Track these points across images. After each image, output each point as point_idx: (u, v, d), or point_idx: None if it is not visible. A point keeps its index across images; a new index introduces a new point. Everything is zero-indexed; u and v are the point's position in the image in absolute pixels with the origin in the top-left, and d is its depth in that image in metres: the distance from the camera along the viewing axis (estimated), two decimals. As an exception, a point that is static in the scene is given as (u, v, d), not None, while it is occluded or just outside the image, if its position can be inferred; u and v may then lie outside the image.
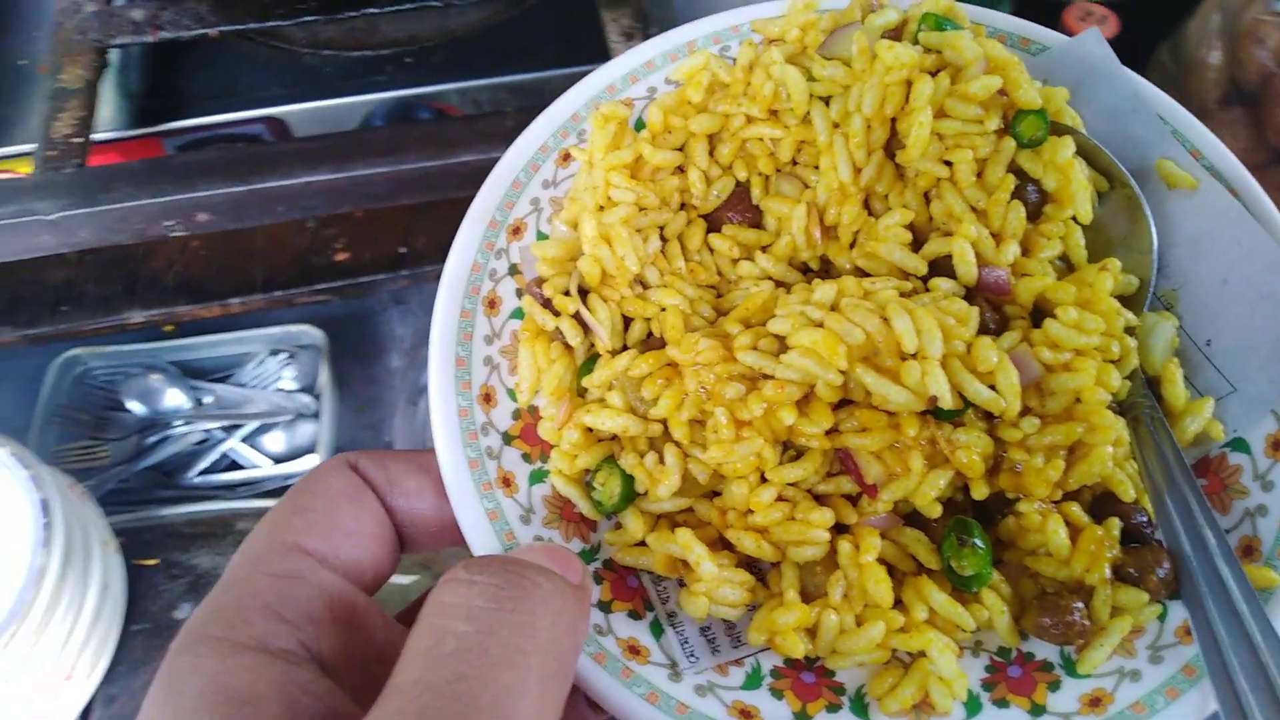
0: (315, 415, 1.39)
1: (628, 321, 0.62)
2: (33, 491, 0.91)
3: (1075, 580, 0.55)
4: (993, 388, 0.54)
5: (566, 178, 0.69)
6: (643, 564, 0.57)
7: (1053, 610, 0.53)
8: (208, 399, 1.41)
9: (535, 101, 0.93)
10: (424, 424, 1.37)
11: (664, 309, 0.60)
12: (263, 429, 1.40)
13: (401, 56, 1.06)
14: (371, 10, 1.07)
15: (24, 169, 1.21)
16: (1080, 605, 0.53)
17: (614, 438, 0.60)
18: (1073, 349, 0.55)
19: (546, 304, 0.61)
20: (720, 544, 0.58)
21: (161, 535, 1.13)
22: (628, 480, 0.58)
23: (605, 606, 0.56)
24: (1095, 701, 0.52)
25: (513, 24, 1.05)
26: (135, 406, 1.39)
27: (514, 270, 0.66)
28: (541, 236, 0.67)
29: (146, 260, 1.30)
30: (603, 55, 1.00)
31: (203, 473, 1.37)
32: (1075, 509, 0.56)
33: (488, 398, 0.61)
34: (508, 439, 0.61)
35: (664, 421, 0.58)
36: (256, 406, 1.39)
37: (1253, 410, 0.59)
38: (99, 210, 1.03)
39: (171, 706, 0.43)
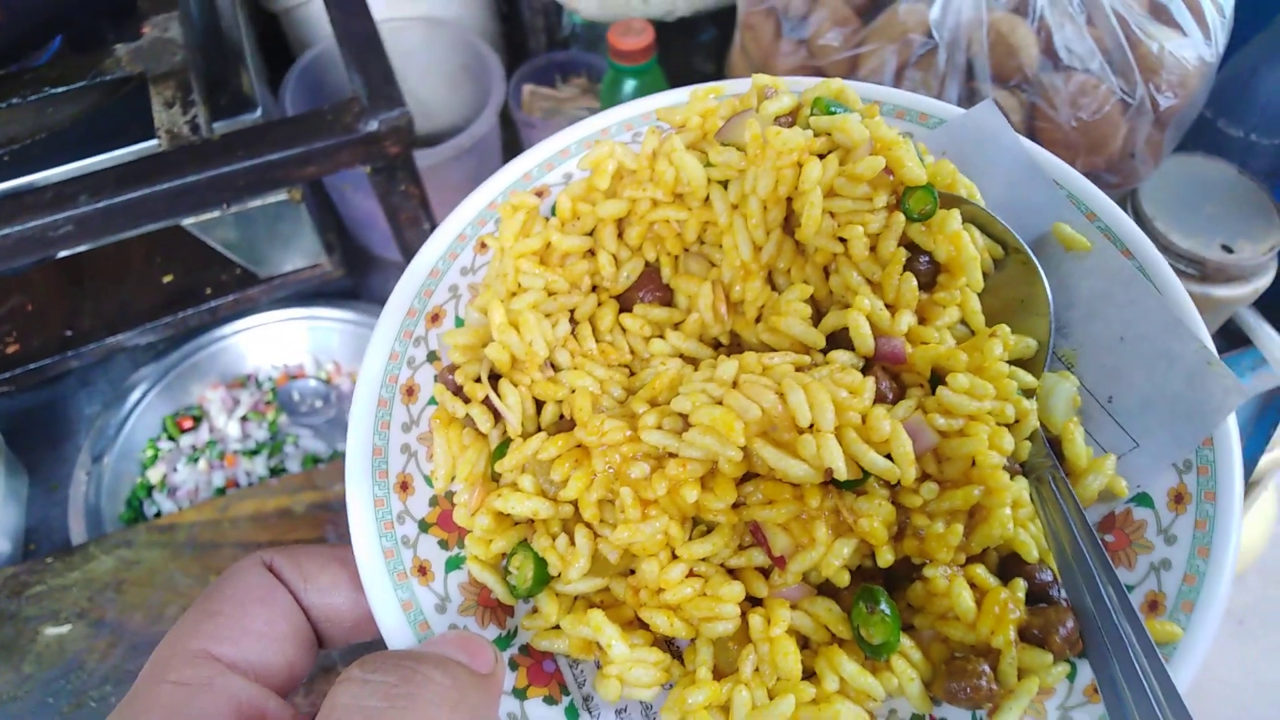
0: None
1: (540, 405, 0.63)
2: None
3: (982, 643, 0.55)
4: (889, 456, 0.55)
5: (484, 264, 0.71)
6: (558, 647, 0.58)
7: (960, 675, 0.54)
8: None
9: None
10: (99, 482, 1.45)
11: (573, 391, 0.62)
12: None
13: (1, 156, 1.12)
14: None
15: None
16: (987, 669, 0.54)
17: (530, 521, 0.61)
18: (966, 415, 0.57)
19: (457, 391, 0.62)
20: (637, 623, 0.59)
21: None
22: (541, 563, 0.58)
23: (521, 693, 0.56)
24: None
25: (105, 112, 1.13)
26: None
27: (432, 357, 0.67)
28: (460, 323, 0.69)
29: None
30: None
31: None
32: (981, 571, 0.56)
33: (405, 485, 0.62)
34: (424, 526, 0.61)
35: (575, 503, 0.59)
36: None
37: (1155, 465, 0.61)
38: None
39: None
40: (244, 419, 1.56)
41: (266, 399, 1.58)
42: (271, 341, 1.60)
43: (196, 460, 1.51)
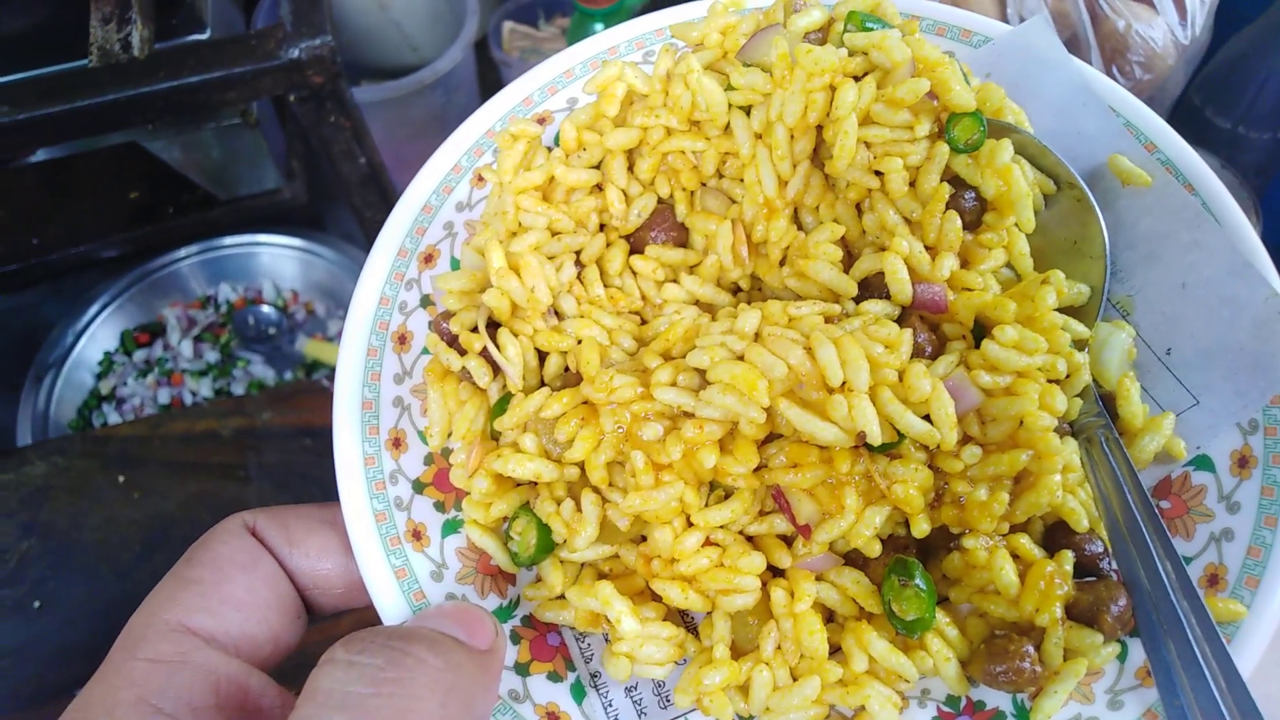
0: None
1: (543, 356, 0.58)
2: None
3: (1025, 620, 0.51)
4: (928, 418, 0.50)
5: (482, 199, 0.65)
6: (563, 619, 0.54)
7: (1001, 655, 0.49)
8: None
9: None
10: (50, 388, 1.48)
11: (580, 342, 0.56)
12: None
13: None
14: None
15: None
16: (1031, 649, 0.49)
17: (533, 483, 0.56)
18: (1013, 371, 0.51)
19: (453, 341, 0.56)
20: (649, 594, 0.54)
21: None
22: (544, 529, 0.54)
23: (523, 669, 0.52)
24: None
25: (60, 24, 1.12)
26: None
27: (426, 302, 0.62)
28: (455, 264, 0.63)
29: None
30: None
31: None
32: (1025, 542, 0.52)
33: (397, 443, 0.57)
34: (419, 487, 0.57)
35: (581, 465, 0.54)
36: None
37: (1216, 424, 0.55)
38: None
39: None
40: (198, 339, 1.58)
41: (222, 321, 1.61)
42: (234, 265, 1.62)
43: (146, 376, 1.54)
